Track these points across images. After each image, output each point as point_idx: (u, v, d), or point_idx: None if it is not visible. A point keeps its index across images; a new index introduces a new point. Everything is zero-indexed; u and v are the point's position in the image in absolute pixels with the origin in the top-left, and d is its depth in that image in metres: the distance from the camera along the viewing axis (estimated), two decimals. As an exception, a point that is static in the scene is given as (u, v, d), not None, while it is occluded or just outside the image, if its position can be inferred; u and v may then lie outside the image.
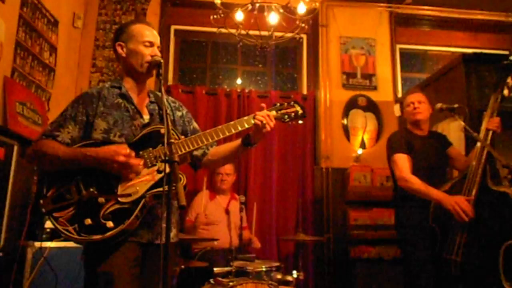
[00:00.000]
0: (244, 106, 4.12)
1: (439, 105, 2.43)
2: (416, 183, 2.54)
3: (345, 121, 4.26)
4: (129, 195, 1.49)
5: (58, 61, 3.51)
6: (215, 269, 2.62)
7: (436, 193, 2.43)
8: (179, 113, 1.88)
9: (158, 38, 1.78)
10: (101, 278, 1.48)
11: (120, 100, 1.70)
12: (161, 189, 1.50)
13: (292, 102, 1.85)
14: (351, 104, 4.28)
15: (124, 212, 1.47)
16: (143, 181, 1.52)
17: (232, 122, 1.73)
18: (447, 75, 3.31)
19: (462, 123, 2.24)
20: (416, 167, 2.65)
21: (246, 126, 1.71)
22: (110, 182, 1.52)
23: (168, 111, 1.64)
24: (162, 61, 1.64)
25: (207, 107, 4.12)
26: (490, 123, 2.39)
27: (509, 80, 2.37)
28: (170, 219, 1.21)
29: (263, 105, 1.79)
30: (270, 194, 3.97)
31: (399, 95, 4.37)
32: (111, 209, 1.49)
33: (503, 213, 2.15)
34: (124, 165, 1.50)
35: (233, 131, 1.70)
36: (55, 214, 1.48)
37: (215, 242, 3.15)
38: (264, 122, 1.70)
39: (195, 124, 1.93)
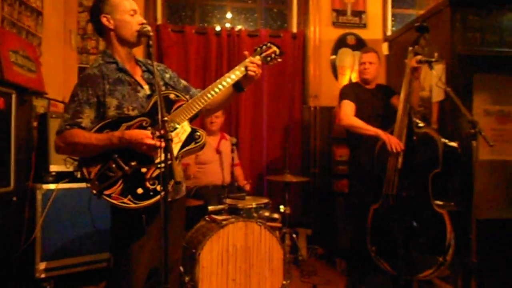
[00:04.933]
0: (234, 45, 4.14)
1: (419, 57, 2.55)
2: (356, 121, 2.99)
3: (333, 60, 4.33)
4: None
5: (45, 3, 3.46)
6: (209, 207, 2.89)
7: (373, 129, 2.87)
8: (167, 75, 1.97)
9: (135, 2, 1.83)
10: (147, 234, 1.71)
11: (120, 75, 1.75)
12: (191, 146, 1.84)
13: (268, 44, 2.01)
14: (340, 43, 4.33)
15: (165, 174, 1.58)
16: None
17: (226, 74, 1.91)
18: (435, 17, 3.33)
19: (437, 77, 2.38)
20: (361, 115, 3.06)
21: (239, 75, 1.90)
22: (145, 154, 1.67)
23: (159, 79, 1.74)
24: (151, 33, 1.71)
25: (197, 47, 4.13)
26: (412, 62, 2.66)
27: (421, 41, 2.70)
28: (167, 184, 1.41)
29: (246, 52, 1.97)
30: (260, 134, 4.16)
31: (389, 33, 4.39)
32: (153, 175, 1.66)
33: (427, 149, 2.63)
34: (151, 147, 1.63)
35: (230, 81, 1.89)
36: (105, 192, 1.61)
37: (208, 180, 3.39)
38: (257, 72, 1.90)
39: (183, 82, 2.05)
